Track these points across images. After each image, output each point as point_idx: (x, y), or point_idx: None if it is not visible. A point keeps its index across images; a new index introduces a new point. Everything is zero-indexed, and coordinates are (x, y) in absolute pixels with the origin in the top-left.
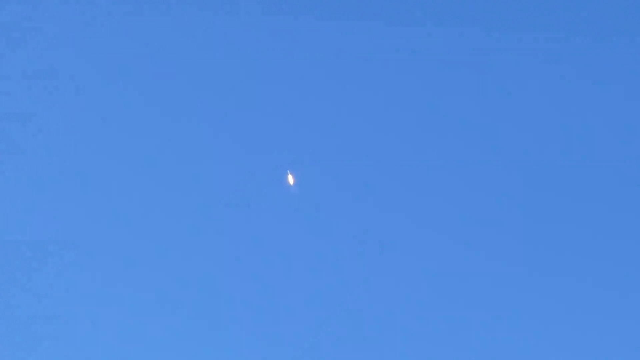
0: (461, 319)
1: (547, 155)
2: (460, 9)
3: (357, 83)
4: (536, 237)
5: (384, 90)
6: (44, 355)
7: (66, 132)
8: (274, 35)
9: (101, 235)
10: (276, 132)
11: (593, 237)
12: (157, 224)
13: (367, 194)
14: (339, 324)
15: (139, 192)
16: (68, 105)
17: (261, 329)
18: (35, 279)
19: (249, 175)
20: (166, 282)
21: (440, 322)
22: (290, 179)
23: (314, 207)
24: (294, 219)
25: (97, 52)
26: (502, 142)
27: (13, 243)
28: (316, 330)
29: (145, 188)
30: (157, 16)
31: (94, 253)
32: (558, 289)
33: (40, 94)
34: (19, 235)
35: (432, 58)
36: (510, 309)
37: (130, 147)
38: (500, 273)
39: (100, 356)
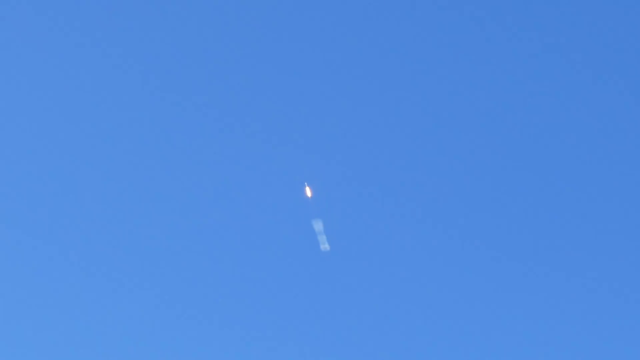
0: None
1: (553, 155)
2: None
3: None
4: (543, 237)
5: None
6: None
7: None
8: (298, 50)
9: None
10: (294, 146)
11: (593, 237)
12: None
13: (382, 203)
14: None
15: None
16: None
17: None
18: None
19: (267, 186)
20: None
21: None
22: (308, 191)
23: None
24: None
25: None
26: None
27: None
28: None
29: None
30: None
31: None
32: (558, 289)
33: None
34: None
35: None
36: (510, 308)
37: (144, 165)
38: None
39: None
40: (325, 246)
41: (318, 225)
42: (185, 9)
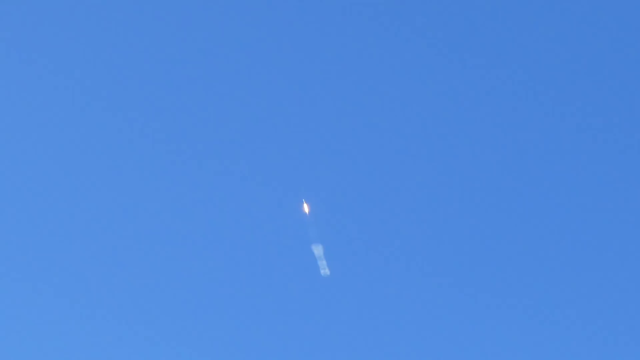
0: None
1: (551, 157)
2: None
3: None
4: (540, 239)
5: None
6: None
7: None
8: (296, 59)
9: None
10: (292, 162)
11: (593, 239)
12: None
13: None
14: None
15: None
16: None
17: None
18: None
19: (264, 204)
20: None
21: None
22: (306, 208)
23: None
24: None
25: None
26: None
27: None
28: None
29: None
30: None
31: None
32: (557, 291)
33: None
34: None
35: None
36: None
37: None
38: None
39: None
40: (325, 271)
41: (318, 250)
42: (185, 9)
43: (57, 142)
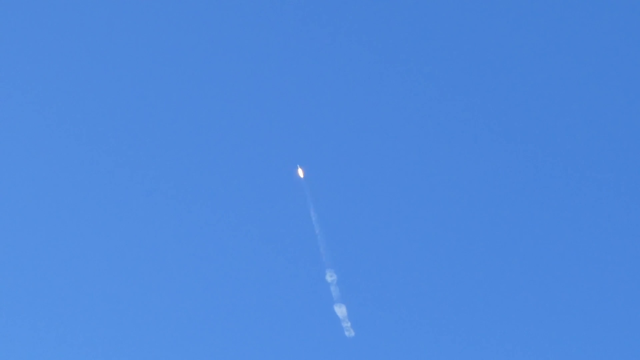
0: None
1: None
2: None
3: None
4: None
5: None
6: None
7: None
8: (291, 38)
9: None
10: (288, 129)
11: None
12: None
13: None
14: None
15: (147, 196)
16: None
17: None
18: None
19: (259, 170)
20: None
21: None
22: (300, 172)
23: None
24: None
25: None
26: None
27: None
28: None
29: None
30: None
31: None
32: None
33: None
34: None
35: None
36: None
37: (140, 153)
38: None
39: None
40: (350, 332)
41: (341, 310)
42: (184, 8)
43: (58, 142)
